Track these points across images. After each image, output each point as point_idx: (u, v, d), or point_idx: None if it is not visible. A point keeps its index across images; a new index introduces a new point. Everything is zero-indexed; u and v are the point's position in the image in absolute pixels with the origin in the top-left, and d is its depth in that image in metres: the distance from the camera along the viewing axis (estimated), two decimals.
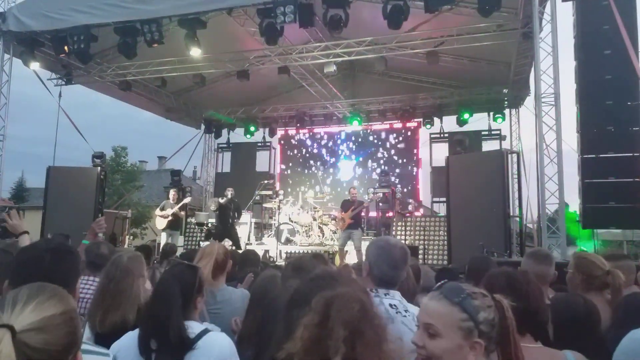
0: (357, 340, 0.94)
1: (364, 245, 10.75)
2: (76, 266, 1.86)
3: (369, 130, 16.10)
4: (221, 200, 11.08)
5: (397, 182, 14.77)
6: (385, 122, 15.78)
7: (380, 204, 12.03)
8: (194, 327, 1.98)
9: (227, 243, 10.13)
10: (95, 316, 2.37)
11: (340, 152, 16.39)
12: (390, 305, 2.16)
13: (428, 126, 14.96)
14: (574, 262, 2.93)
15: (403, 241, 9.92)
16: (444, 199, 10.79)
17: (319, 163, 16.52)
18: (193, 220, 13.59)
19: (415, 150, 15.56)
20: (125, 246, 11.49)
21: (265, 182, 13.49)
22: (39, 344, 1.00)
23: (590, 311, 2.27)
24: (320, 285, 1.07)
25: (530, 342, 1.82)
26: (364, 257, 8.89)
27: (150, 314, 1.97)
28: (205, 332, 1.97)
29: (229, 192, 11.14)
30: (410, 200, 14.28)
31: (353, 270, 2.98)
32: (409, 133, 15.63)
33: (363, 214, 10.76)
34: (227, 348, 1.97)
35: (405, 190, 14.94)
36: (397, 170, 15.35)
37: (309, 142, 16.79)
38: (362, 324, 0.96)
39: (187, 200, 11.70)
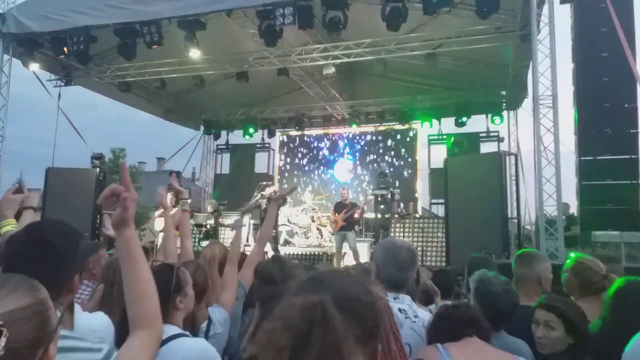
0: (305, 353, 0.91)
1: (362, 246, 10.79)
2: (63, 258, 1.64)
3: (367, 132, 16.12)
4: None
5: (396, 183, 14.77)
6: (383, 124, 15.80)
7: (381, 206, 12.05)
8: (167, 331, 1.89)
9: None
10: None
11: (338, 153, 16.40)
12: (400, 310, 2.13)
13: (427, 128, 14.98)
14: (570, 267, 2.94)
15: None
16: (442, 201, 10.81)
17: (317, 164, 16.52)
18: (192, 221, 13.59)
19: (413, 152, 15.57)
20: None
21: (264, 183, 13.49)
22: None
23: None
24: (304, 288, 1.05)
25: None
26: (360, 257, 8.91)
27: (122, 314, 1.95)
28: (175, 337, 1.90)
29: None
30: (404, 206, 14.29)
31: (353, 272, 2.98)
32: (407, 135, 15.65)
33: (357, 215, 10.74)
34: (195, 353, 1.86)
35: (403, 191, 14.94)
36: (396, 172, 15.35)
37: (307, 144, 16.80)
38: (312, 336, 0.92)
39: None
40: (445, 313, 2.07)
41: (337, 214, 10.54)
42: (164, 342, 1.83)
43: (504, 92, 13.87)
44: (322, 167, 16.45)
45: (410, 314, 2.15)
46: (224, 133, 17.08)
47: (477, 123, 14.48)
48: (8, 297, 1.01)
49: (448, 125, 14.90)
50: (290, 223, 12.30)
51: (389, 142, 15.82)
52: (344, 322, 0.95)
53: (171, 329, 1.93)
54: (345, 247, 10.49)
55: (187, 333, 2.05)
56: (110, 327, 2.11)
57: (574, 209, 9.36)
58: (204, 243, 11.46)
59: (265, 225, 3.21)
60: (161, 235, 10.94)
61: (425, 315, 2.27)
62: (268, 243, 10.45)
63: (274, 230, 10.76)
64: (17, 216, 2.52)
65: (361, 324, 0.99)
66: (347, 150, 16.31)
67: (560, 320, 2.23)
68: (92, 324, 2.04)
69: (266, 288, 1.83)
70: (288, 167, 16.92)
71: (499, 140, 14.39)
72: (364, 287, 1.07)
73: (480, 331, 2.02)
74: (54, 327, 1.07)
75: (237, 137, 17.00)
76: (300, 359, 0.91)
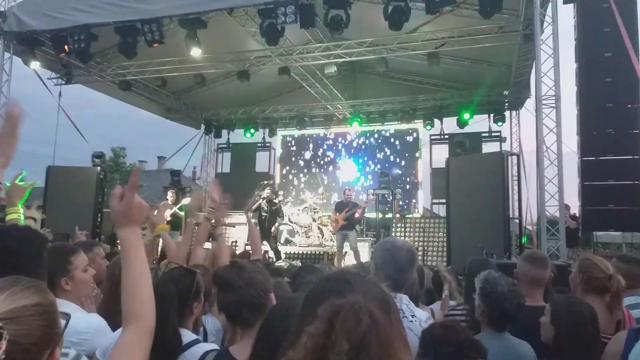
0: (361, 355, 0.90)
1: (363, 246, 10.78)
2: (25, 263, 1.61)
3: (369, 132, 16.10)
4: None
5: (397, 183, 14.75)
6: (385, 124, 15.77)
7: (383, 206, 12.04)
8: (186, 335, 1.94)
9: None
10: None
11: (340, 153, 16.38)
12: None
13: (428, 127, 14.95)
14: (577, 263, 2.93)
15: None
16: (444, 201, 10.79)
17: (318, 164, 16.50)
18: (193, 220, 13.54)
19: (415, 152, 15.55)
20: None
21: (265, 182, 13.46)
22: (9, 335, 0.97)
23: (593, 315, 2.27)
24: (333, 289, 1.03)
25: None
26: (361, 257, 8.89)
27: None
28: (196, 341, 1.93)
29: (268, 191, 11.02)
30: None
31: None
32: (409, 134, 15.62)
33: (357, 215, 10.73)
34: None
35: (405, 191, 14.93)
36: (397, 172, 15.33)
37: (308, 143, 16.78)
38: (367, 337, 0.91)
39: (186, 200, 11.67)
40: (430, 336, 1.91)
41: (337, 213, 10.53)
42: (186, 347, 1.87)
43: (506, 92, 13.85)
44: (322, 167, 16.43)
45: (408, 314, 2.16)
46: (224, 132, 17.07)
47: (479, 123, 14.47)
48: (20, 293, 1.04)
49: (450, 125, 14.91)
50: (291, 222, 12.28)
51: (391, 142, 15.79)
52: (383, 318, 0.96)
53: (188, 334, 1.95)
54: (347, 247, 10.47)
55: (200, 338, 2.04)
56: (101, 330, 2.09)
57: (575, 210, 9.33)
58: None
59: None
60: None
61: (423, 315, 2.27)
62: (268, 243, 10.43)
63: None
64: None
65: (389, 317, 1.00)
66: (348, 149, 16.28)
67: (549, 309, 2.31)
68: (80, 324, 2.03)
69: (225, 294, 1.82)
70: (289, 166, 16.90)
71: (501, 140, 14.36)
72: (380, 286, 1.07)
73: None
74: (61, 330, 1.10)
75: (238, 136, 17.00)
76: None
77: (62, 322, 1.13)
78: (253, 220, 12.17)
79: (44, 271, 1.73)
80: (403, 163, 15.53)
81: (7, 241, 1.63)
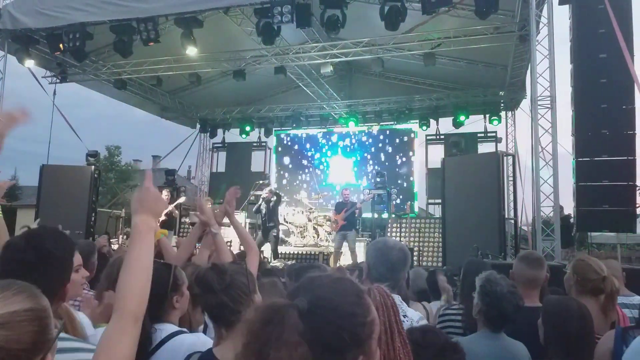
0: (262, 351, 0.93)
1: (358, 246, 10.78)
2: (60, 266, 1.69)
3: (364, 132, 16.10)
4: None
5: (393, 183, 14.76)
6: (381, 123, 15.78)
7: (378, 206, 12.04)
8: (167, 329, 1.92)
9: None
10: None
11: (335, 153, 16.37)
12: None
13: (424, 128, 14.98)
14: (572, 264, 2.93)
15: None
16: (439, 201, 10.79)
17: (314, 163, 16.49)
18: (187, 220, 13.52)
19: (410, 152, 15.57)
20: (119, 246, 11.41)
21: (260, 182, 13.44)
22: None
23: (583, 314, 2.26)
24: (289, 292, 1.07)
25: None
26: (358, 258, 8.90)
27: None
28: (175, 334, 1.91)
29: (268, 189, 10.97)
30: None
31: (348, 272, 2.97)
32: (405, 134, 15.64)
33: (356, 214, 10.74)
34: (197, 347, 1.86)
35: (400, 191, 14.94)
36: (393, 171, 15.34)
37: (304, 143, 16.77)
38: (265, 335, 0.95)
39: (181, 200, 11.64)
40: (410, 341, 1.91)
41: (337, 214, 10.55)
42: (165, 340, 1.85)
43: (502, 93, 13.88)
44: (318, 167, 16.42)
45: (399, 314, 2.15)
46: (220, 131, 17.03)
47: (474, 123, 14.53)
48: (11, 298, 1.02)
49: (446, 125, 14.94)
50: (287, 222, 12.26)
51: (387, 142, 15.81)
52: (308, 328, 0.94)
53: (170, 327, 1.93)
54: (344, 247, 10.47)
55: (185, 330, 2.03)
56: (89, 328, 2.09)
57: (570, 210, 9.37)
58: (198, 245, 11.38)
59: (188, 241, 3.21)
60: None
61: (414, 315, 2.27)
62: (268, 244, 10.38)
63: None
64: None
65: (335, 334, 0.97)
66: (344, 149, 16.28)
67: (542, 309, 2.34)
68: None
69: (207, 297, 1.82)
70: (284, 166, 16.88)
71: (497, 140, 14.41)
72: (352, 296, 1.03)
73: None
74: (52, 336, 1.08)
75: (233, 135, 16.96)
76: (259, 356, 0.93)
77: (58, 325, 1.12)
78: (249, 220, 12.22)
79: (69, 274, 1.76)
80: (399, 163, 15.55)
81: (45, 243, 1.69)
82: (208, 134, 17.01)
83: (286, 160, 16.89)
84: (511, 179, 11.32)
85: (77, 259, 2.41)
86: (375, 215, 12.42)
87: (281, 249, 11.60)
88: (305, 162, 16.61)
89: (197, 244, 3.29)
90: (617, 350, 2.06)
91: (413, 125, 15.36)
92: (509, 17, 9.56)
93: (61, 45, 9.78)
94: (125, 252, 1.43)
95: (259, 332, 0.95)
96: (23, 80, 12.12)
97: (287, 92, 15.30)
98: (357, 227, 12.02)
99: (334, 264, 9.90)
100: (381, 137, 15.91)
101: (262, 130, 16.84)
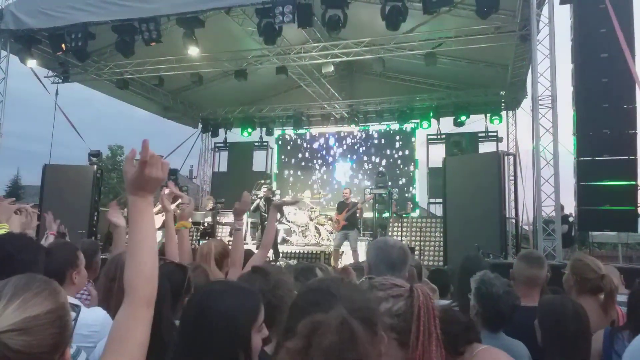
0: None
1: (360, 245, 10.80)
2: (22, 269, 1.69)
3: (366, 131, 16.11)
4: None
5: (394, 182, 14.76)
6: (382, 123, 15.79)
7: (379, 205, 12.05)
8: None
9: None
10: None
11: (337, 152, 16.39)
12: None
13: (425, 127, 14.99)
14: (569, 264, 2.94)
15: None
16: (441, 200, 10.80)
17: (315, 163, 16.51)
18: (190, 219, 13.54)
19: (412, 152, 15.57)
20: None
21: (262, 181, 13.47)
22: (20, 346, 0.94)
23: (578, 313, 2.26)
24: (316, 302, 1.03)
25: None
26: (359, 258, 8.90)
27: None
28: None
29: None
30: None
31: (353, 272, 2.97)
32: (406, 134, 15.64)
33: (357, 214, 10.77)
34: None
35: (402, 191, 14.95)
36: (394, 171, 15.35)
37: (306, 142, 16.79)
38: (344, 354, 0.91)
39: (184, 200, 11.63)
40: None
41: (339, 214, 10.60)
42: None
43: (503, 92, 13.89)
44: (320, 166, 16.44)
45: None
46: (222, 131, 17.06)
47: (475, 123, 14.53)
48: (31, 301, 1.00)
49: (447, 124, 14.94)
50: (288, 221, 12.28)
51: (388, 142, 15.81)
52: (364, 333, 0.96)
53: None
54: (345, 247, 10.49)
55: None
56: (107, 322, 2.12)
57: (571, 209, 9.37)
58: (202, 242, 11.42)
59: (267, 232, 3.21)
60: (159, 233, 10.97)
61: None
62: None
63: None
64: None
65: (372, 330, 1.00)
66: (346, 149, 16.29)
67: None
68: (88, 318, 2.10)
69: None
70: (285, 165, 16.90)
71: (498, 140, 14.41)
72: (365, 294, 1.07)
73: None
74: (71, 329, 1.09)
75: (235, 135, 16.99)
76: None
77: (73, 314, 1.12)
78: (250, 220, 12.23)
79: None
80: (400, 163, 15.55)
81: (7, 248, 1.74)
82: (210, 133, 17.05)
83: (288, 160, 16.90)
84: (512, 178, 11.32)
85: (81, 258, 2.46)
86: (377, 215, 12.43)
87: (283, 248, 11.63)
88: (306, 161, 16.62)
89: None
90: (606, 350, 2.07)
91: (414, 124, 15.37)
92: (510, 16, 9.56)
93: (63, 45, 9.81)
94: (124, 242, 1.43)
95: (338, 350, 0.93)
96: (25, 80, 12.16)
97: (289, 92, 15.32)
98: (359, 226, 12.04)
99: (334, 263, 9.92)
100: (382, 136, 15.91)
101: (264, 130, 16.87)
